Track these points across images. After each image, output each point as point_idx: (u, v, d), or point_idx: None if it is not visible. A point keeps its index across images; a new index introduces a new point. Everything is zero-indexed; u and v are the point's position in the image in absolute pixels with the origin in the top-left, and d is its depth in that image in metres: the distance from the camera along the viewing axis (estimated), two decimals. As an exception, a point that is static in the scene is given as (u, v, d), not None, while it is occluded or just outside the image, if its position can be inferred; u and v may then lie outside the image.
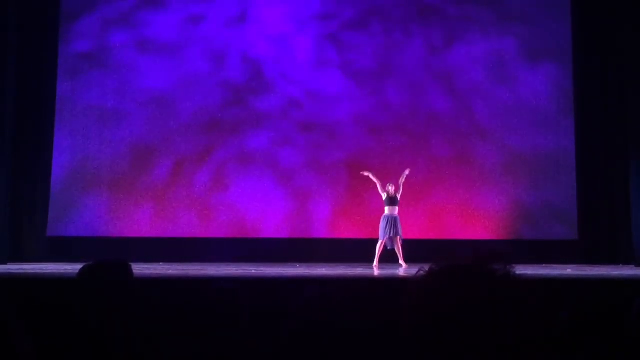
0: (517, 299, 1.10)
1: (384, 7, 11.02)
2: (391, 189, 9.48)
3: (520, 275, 1.13)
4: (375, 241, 9.50)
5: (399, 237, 9.27)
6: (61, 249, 9.91)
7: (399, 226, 9.32)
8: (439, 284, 1.12)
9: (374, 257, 9.31)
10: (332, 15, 11.03)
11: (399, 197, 9.47)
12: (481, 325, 1.06)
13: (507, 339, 1.07)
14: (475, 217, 10.57)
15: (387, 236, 9.29)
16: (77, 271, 2.50)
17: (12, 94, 9.81)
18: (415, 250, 9.12)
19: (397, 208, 9.42)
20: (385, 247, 9.37)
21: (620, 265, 9.49)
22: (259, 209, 10.59)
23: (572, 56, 10.66)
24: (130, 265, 2.50)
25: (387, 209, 9.44)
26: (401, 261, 9.14)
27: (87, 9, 10.78)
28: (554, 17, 10.83)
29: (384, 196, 9.49)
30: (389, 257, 9.37)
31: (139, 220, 10.47)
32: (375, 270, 8.87)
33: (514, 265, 1.14)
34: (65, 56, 10.60)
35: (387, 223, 9.34)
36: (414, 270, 1.21)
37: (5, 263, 9.12)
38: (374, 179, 9.55)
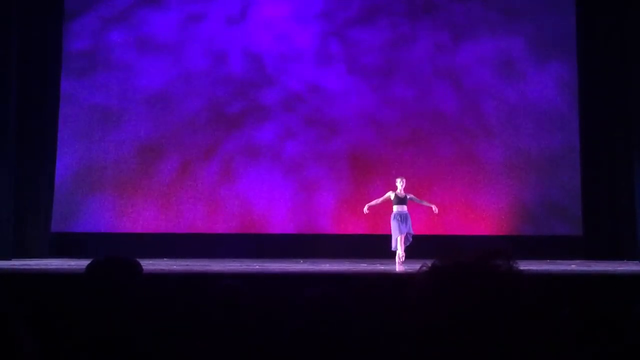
0: (520, 295, 1.09)
1: (388, 4, 11.00)
2: (400, 185, 9.28)
3: (523, 271, 1.13)
4: (378, 237, 9.47)
5: (408, 234, 9.15)
6: (65, 245, 9.93)
7: (410, 223, 9.20)
8: (441, 281, 1.11)
9: (396, 255, 9.13)
10: (337, 11, 11.00)
11: (407, 199, 9.32)
12: (483, 322, 1.06)
13: (510, 336, 1.06)
14: (479, 214, 10.56)
15: (403, 233, 9.08)
16: (81, 267, 2.50)
17: (15, 91, 9.82)
18: (418, 247, 9.10)
19: (405, 207, 9.28)
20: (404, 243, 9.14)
21: (625, 261, 9.47)
22: (264, 204, 10.60)
23: (577, 53, 10.61)
24: (139, 263, 2.48)
25: (396, 207, 9.25)
26: (402, 259, 9.07)
27: (88, 8, 10.78)
28: (558, 14, 10.78)
29: (392, 196, 9.31)
30: (392, 254, 9.34)
31: (144, 217, 10.48)
32: (398, 266, 8.72)
33: (516, 261, 1.13)
34: (68, 55, 10.59)
35: (400, 220, 9.14)
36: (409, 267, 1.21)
37: (9, 259, 9.15)
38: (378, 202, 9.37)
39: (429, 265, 1.16)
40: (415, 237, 9.42)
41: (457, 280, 1.10)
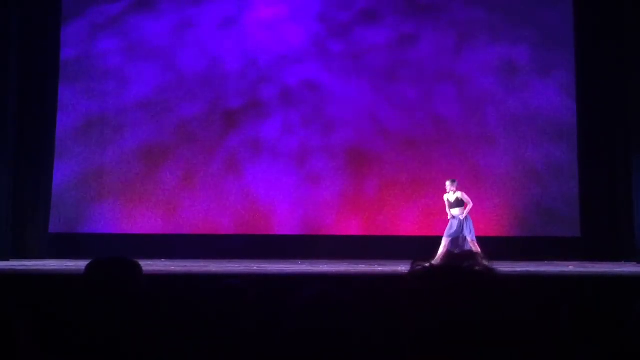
0: (499, 296, 1.10)
1: (388, 4, 11.02)
2: (448, 187, 9.03)
3: (501, 272, 1.14)
4: (377, 238, 9.46)
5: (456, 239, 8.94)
6: (64, 246, 9.93)
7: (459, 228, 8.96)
8: (419, 284, 1.12)
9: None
10: (338, 10, 11.00)
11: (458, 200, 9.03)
12: (465, 324, 1.06)
13: (496, 338, 1.07)
14: (477, 216, 10.56)
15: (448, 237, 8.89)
16: (79, 268, 2.50)
17: (14, 92, 9.84)
18: (418, 248, 9.10)
19: (457, 209, 8.99)
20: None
21: (622, 262, 9.48)
22: (263, 205, 10.60)
23: (575, 57, 10.63)
24: (139, 264, 2.48)
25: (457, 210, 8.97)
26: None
27: (81, 14, 10.77)
28: (558, 17, 10.80)
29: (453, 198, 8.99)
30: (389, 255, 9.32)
31: (142, 218, 10.48)
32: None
33: (491, 262, 1.15)
34: (64, 60, 10.58)
35: (451, 225, 8.92)
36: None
37: (7, 260, 9.15)
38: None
39: (410, 268, 1.18)
40: (414, 238, 9.37)
41: (432, 283, 1.11)
